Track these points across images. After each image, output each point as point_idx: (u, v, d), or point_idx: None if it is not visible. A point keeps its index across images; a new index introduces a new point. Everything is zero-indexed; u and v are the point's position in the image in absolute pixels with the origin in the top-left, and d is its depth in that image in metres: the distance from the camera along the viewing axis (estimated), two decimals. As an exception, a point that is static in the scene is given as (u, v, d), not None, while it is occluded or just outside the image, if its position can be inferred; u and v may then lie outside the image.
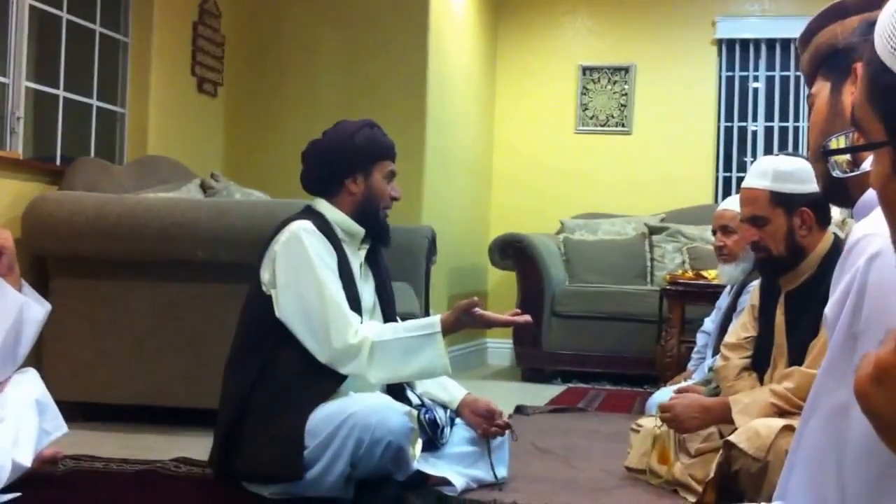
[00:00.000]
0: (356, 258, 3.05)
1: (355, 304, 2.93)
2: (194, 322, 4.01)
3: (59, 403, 3.05)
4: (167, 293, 4.06)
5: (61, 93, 4.83)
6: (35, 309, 2.97)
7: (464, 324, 2.93)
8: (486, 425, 3.12)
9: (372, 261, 3.12)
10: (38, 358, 3.82)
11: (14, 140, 4.44)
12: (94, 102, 5.08)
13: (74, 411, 3.72)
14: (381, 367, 2.86)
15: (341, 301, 2.87)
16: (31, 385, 2.95)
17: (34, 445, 2.85)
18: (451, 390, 3.22)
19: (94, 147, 5.08)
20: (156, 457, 3.36)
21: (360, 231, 3.05)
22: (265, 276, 2.92)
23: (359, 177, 3.01)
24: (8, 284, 2.90)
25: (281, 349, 2.89)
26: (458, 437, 3.13)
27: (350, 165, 3.01)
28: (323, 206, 3.04)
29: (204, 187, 4.80)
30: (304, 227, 2.92)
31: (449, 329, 2.90)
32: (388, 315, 3.12)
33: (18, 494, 2.70)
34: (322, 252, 2.90)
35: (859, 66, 1.03)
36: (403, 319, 3.13)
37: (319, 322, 2.84)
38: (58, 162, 4.76)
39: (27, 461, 2.79)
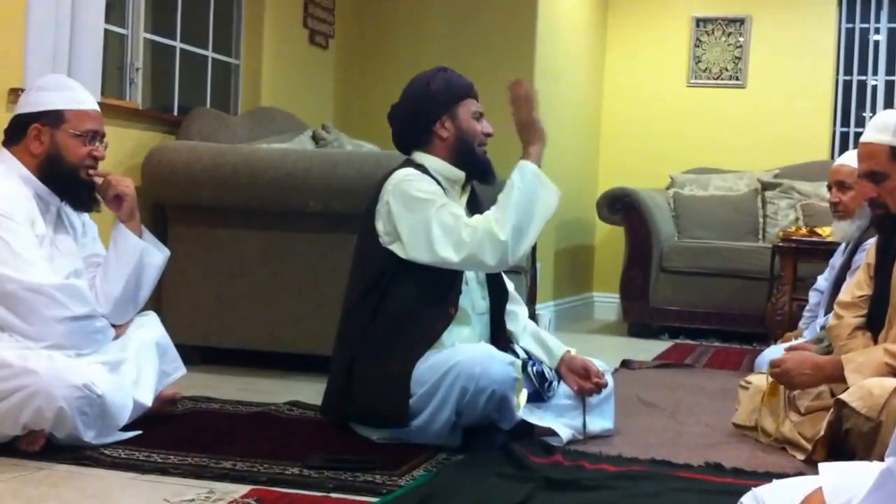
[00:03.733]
0: (459, 205, 3.06)
1: None
2: (306, 270, 4.09)
3: (177, 346, 3.15)
4: (281, 241, 4.14)
5: (178, 44, 4.94)
6: (155, 254, 3.08)
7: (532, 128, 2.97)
8: (582, 383, 3.13)
9: (473, 209, 3.13)
10: (157, 302, 3.95)
11: (133, 90, 4.56)
12: (210, 54, 5.18)
13: (192, 354, 3.85)
14: (516, 231, 2.85)
15: (453, 208, 2.90)
16: (151, 328, 3.07)
17: (154, 386, 2.97)
18: (551, 347, 3.21)
19: (210, 98, 5.19)
20: (269, 400, 3.45)
21: (460, 175, 3.08)
22: (380, 226, 2.96)
23: (446, 120, 3.04)
24: (129, 230, 3.01)
25: (391, 294, 2.94)
26: (565, 389, 3.14)
27: (434, 111, 3.04)
28: (421, 157, 3.07)
29: (315, 138, 4.87)
30: (404, 173, 2.99)
31: (535, 159, 2.94)
32: None
33: (139, 432, 2.81)
34: (426, 186, 2.94)
35: None
36: (510, 273, 3.11)
37: (441, 233, 2.86)
38: (175, 112, 4.87)
39: (148, 401, 2.91)
